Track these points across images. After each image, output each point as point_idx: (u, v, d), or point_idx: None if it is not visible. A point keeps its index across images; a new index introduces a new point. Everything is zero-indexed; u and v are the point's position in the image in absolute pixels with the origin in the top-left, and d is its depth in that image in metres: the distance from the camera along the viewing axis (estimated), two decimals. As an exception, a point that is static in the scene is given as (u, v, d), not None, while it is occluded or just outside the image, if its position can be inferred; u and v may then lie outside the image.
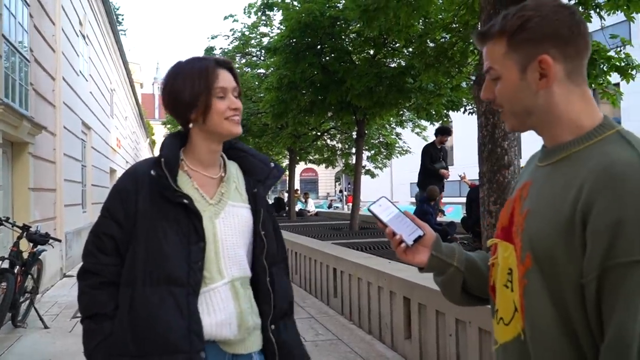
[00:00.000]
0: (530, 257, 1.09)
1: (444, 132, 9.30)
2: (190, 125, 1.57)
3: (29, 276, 6.07)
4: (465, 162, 14.32)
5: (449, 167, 9.69)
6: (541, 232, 1.08)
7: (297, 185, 37.43)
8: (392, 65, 10.77)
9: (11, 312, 5.68)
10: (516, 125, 1.20)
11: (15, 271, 5.56)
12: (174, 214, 1.51)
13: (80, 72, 12.29)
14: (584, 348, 1.04)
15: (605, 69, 6.86)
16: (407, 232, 1.36)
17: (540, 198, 1.12)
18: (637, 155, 1.01)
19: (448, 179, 9.45)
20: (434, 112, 11.22)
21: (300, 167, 39.52)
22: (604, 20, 6.52)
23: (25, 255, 5.95)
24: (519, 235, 1.14)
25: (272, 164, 1.72)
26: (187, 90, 1.53)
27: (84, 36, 13.00)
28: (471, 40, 8.32)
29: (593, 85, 6.99)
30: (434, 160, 9.03)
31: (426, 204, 8.45)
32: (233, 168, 1.70)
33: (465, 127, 21.04)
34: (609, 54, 6.94)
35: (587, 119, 1.12)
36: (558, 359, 1.06)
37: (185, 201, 1.50)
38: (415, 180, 9.64)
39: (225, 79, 1.55)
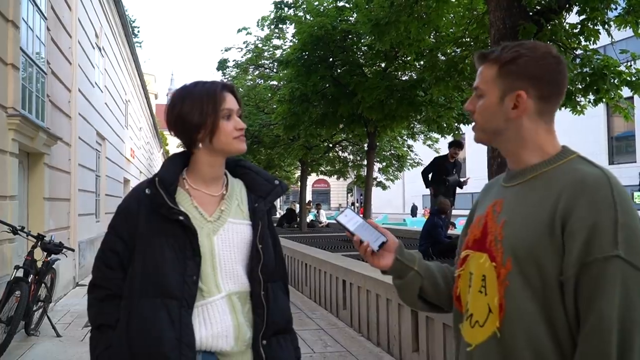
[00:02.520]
0: (511, 261, 1.25)
1: (457, 145, 9.29)
2: (197, 145, 1.65)
3: (43, 285, 6.15)
4: (476, 175, 14.26)
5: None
6: (522, 237, 1.24)
7: (309, 197, 37.44)
8: (403, 79, 10.84)
9: (24, 321, 5.76)
10: (483, 139, 1.40)
11: (29, 280, 5.65)
12: (172, 231, 1.58)
13: (96, 83, 12.49)
14: (561, 340, 1.19)
15: (617, 83, 6.86)
16: (373, 239, 1.50)
17: (516, 210, 1.30)
18: (601, 171, 1.22)
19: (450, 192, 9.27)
20: (445, 125, 11.26)
21: (312, 178, 39.62)
22: (612, 37, 6.54)
23: (39, 264, 6.04)
24: (497, 243, 1.30)
25: (277, 182, 1.78)
26: (195, 112, 1.60)
27: (99, 48, 13.21)
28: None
29: (604, 99, 7.00)
30: (446, 173, 8.98)
31: (437, 216, 8.44)
32: (237, 185, 1.76)
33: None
34: (619, 68, 6.94)
35: (550, 147, 1.33)
36: (537, 351, 1.20)
37: (181, 217, 1.57)
38: (427, 192, 9.60)
39: (230, 101, 1.64)
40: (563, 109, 7.73)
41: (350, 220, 1.53)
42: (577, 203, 1.18)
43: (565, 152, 1.33)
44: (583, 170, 1.24)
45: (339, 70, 11.03)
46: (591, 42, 6.92)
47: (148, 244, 1.58)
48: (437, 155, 10.11)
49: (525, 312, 1.22)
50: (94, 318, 1.64)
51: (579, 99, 7.30)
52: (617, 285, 1.12)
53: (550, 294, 1.20)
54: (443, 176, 8.92)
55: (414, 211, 40.82)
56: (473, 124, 1.41)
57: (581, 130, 30.12)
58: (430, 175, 9.17)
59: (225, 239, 1.65)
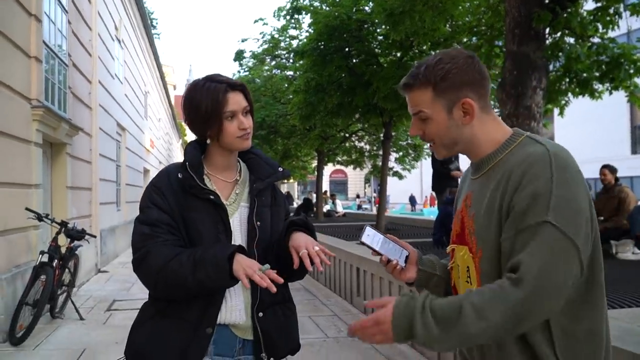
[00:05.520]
0: (481, 249, 1.38)
1: None
2: (208, 140, 1.78)
3: (66, 270, 6.38)
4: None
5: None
6: (485, 226, 1.37)
7: (326, 187, 37.50)
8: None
9: (49, 304, 5.99)
10: (446, 153, 1.50)
11: (54, 265, 5.86)
12: (204, 208, 1.71)
13: (116, 75, 12.70)
14: None
15: (632, 72, 6.83)
16: (398, 255, 1.59)
17: (480, 201, 1.42)
18: (545, 148, 1.33)
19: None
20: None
21: (329, 168, 39.65)
22: (629, 26, 6.51)
23: (62, 250, 6.26)
24: (472, 235, 1.42)
25: (280, 168, 1.90)
26: (201, 113, 1.71)
27: (119, 40, 13.41)
28: (497, 43, 8.37)
29: (619, 87, 6.97)
30: (447, 161, 8.99)
31: (450, 206, 8.48)
32: (247, 171, 1.89)
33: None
34: (634, 57, 6.90)
35: (500, 134, 1.45)
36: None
37: (212, 197, 1.71)
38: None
39: (235, 101, 1.72)
40: (581, 97, 7.71)
41: (374, 239, 1.58)
42: (520, 181, 1.29)
43: (516, 135, 1.43)
44: (528, 150, 1.34)
45: (354, 60, 11.05)
46: (608, 30, 6.88)
47: (183, 219, 1.70)
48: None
49: None
50: (162, 260, 1.62)
51: (595, 86, 7.27)
52: (543, 246, 1.22)
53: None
54: (444, 165, 8.93)
55: (412, 201, 40.56)
56: (430, 145, 1.50)
57: (602, 119, 29.64)
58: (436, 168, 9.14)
59: (238, 221, 1.78)
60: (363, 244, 1.58)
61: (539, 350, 1.30)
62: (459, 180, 1.72)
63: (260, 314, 1.74)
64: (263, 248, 1.77)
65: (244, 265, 1.58)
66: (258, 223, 1.77)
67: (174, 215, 1.69)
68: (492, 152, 1.43)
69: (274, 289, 1.55)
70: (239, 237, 1.76)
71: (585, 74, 7.12)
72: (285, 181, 31.42)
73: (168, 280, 1.61)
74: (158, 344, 1.66)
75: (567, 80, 7.44)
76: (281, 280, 1.58)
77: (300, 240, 1.68)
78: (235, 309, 1.72)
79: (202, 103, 1.70)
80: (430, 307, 1.25)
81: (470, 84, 1.41)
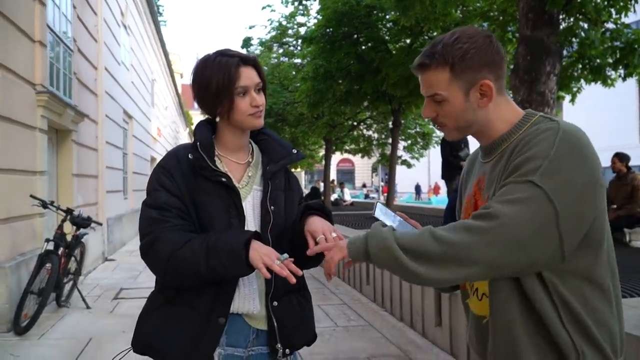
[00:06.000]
0: None
1: None
2: (217, 117, 1.66)
3: (72, 258, 6.31)
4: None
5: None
6: None
7: (333, 176, 37.45)
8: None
9: (55, 292, 5.92)
10: (457, 135, 1.44)
11: (59, 253, 5.79)
12: (215, 191, 1.60)
13: (122, 61, 12.59)
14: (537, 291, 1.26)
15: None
16: None
17: (493, 182, 1.36)
18: (556, 124, 1.28)
19: None
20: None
21: (336, 157, 39.57)
22: (634, 10, 6.36)
23: (68, 238, 6.19)
24: None
25: (294, 150, 1.78)
26: (211, 88, 1.60)
27: (125, 26, 13.30)
28: (509, 28, 8.19)
29: (633, 74, 6.81)
30: (457, 149, 8.85)
31: (460, 194, 8.34)
32: (258, 152, 1.78)
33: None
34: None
35: (513, 115, 1.40)
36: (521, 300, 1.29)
37: (224, 179, 1.59)
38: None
39: (247, 76, 1.61)
40: (593, 84, 7.55)
41: (386, 215, 1.53)
42: (521, 149, 1.27)
43: (529, 115, 1.39)
44: (539, 126, 1.31)
45: (363, 47, 10.92)
46: (622, 15, 6.72)
47: (193, 203, 1.59)
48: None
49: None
50: (172, 246, 1.51)
51: (608, 73, 7.11)
52: (521, 202, 1.18)
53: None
54: (454, 152, 8.78)
55: (418, 190, 40.24)
56: (441, 127, 1.44)
57: (611, 108, 29.37)
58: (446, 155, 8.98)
59: (251, 205, 1.67)
60: (375, 219, 1.52)
61: (554, 332, 1.23)
62: (464, 167, 1.63)
63: (275, 303, 1.63)
64: (277, 234, 1.65)
65: (261, 253, 1.47)
66: (272, 207, 1.66)
67: (183, 198, 1.58)
68: (505, 133, 1.38)
69: (293, 280, 1.45)
70: (252, 222, 1.65)
71: (598, 60, 6.97)
72: (293, 170, 31.38)
73: (179, 268, 1.50)
74: (167, 334, 1.56)
75: (580, 66, 7.29)
76: (300, 272, 1.48)
77: (317, 225, 1.56)
78: (248, 297, 1.61)
79: (213, 78, 1.59)
80: (385, 229, 1.31)
81: (489, 65, 1.35)
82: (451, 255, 1.20)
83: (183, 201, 1.58)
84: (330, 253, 1.39)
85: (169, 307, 1.60)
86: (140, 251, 1.58)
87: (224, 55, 1.62)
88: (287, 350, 1.65)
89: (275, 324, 1.62)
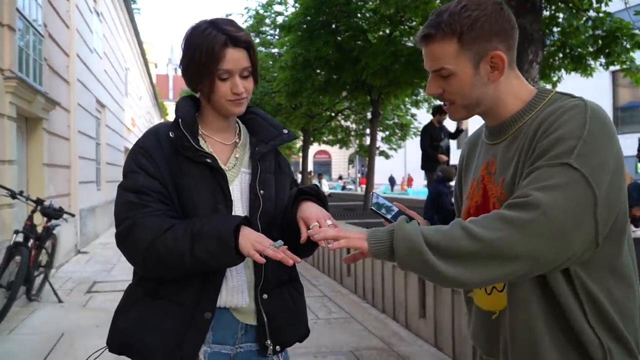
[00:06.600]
0: None
1: (442, 110, 8.99)
2: (199, 95, 1.52)
3: (44, 250, 6.09)
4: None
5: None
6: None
7: (310, 167, 37.41)
8: (409, 44, 10.59)
9: (26, 286, 5.71)
10: (465, 115, 1.31)
11: (29, 245, 5.57)
12: (200, 173, 1.45)
13: (95, 49, 12.24)
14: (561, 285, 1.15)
15: (629, 47, 6.68)
16: None
17: (508, 165, 1.24)
18: (580, 100, 1.18)
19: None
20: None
21: (313, 149, 39.44)
22: (627, 1, 6.35)
23: (39, 229, 5.96)
24: (501, 204, 1.22)
25: (285, 130, 1.64)
26: (194, 62, 1.44)
27: (97, 13, 12.93)
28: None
29: (616, 63, 6.82)
30: (437, 139, 8.78)
31: (442, 184, 8.32)
32: (246, 132, 1.63)
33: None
34: (633, 31, 6.75)
35: (525, 92, 1.27)
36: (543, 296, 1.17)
37: (208, 160, 1.45)
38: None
39: (233, 59, 1.43)
40: (572, 73, 7.56)
41: (385, 207, 1.44)
42: (549, 128, 1.15)
43: (542, 93, 1.27)
44: (561, 102, 1.20)
45: (342, 36, 10.78)
46: (603, 4, 6.72)
47: (175, 186, 1.44)
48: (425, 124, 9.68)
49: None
50: (152, 234, 1.37)
51: (589, 62, 7.13)
52: (559, 187, 1.06)
53: None
54: (434, 143, 8.73)
55: (392, 182, 40.23)
56: (448, 105, 1.31)
57: (587, 97, 29.88)
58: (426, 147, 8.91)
59: (239, 189, 1.53)
60: (373, 211, 1.43)
61: (578, 328, 1.13)
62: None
63: (265, 296, 1.50)
64: (267, 221, 1.51)
65: (251, 239, 1.34)
66: (262, 192, 1.52)
67: (164, 181, 1.43)
68: (518, 112, 1.26)
69: (290, 262, 1.32)
70: (240, 207, 1.50)
71: (579, 49, 6.97)
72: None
73: (160, 258, 1.36)
74: (148, 331, 1.42)
75: (561, 55, 7.28)
76: (299, 260, 1.35)
77: (310, 212, 1.42)
78: (237, 289, 1.47)
79: (197, 51, 1.43)
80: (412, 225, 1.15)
81: (500, 34, 1.22)
82: (491, 252, 1.06)
83: (164, 184, 1.43)
84: (350, 237, 1.20)
85: (149, 302, 1.45)
86: (116, 239, 1.43)
87: (214, 28, 1.44)
88: (278, 347, 1.53)
89: (265, 318, 1.49)
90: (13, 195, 5.59)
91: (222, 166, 1.50)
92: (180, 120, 1.47)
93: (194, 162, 1.45)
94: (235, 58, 1.43)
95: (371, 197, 1.47)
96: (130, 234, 1.38)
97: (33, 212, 5.90)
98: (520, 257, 1.05)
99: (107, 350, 1.52)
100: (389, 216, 1.42)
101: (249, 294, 1.49)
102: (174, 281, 1.43)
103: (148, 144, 1.48)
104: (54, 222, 6.22)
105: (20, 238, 5.52)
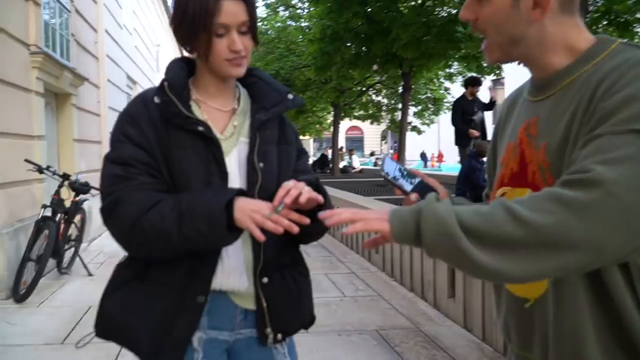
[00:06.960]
0: None
1: (474, 82, 8.65)
2: (195, 54, 1.37)
3: (73, 225, 6.14)
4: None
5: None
6: (566, 157, 0.98)
7: (342, 143, 37.22)
8: (442, 14, 10.24)
9: (56, 259, 5.77)
10: (499, 56, 1.10)
11: (57, 219, 5.62)
12: (191, 142, 1.31)
13: (124, 25, 12.24)
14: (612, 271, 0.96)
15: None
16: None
17: (554, 127, 1.03)
18: None
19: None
20: (485, 65, 10.69)
21: (345, 125, 39.18)
22: None
23: (67, 204, 6.00)
24: (543, 172, 1.03)
25: (290, 95, 1.46)
26: (187, 16, 1.29)
27: (127, -12, 12.91)
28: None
29: None
30: (470, 113, 8.48)
31: (475, 159, 8.07)
32: (246, 98, 1.48)
33: (518, 78, 20.24)
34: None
35: (582, 42, 1.04)
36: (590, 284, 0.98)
37: (200, 128, 1.31)
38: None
39: (229, 12, 1.28)
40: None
41: (395, 173, 1.24)
42: (613, 86, 0.92)
43: (602, 43, 1.02)
44: (626, 55, 0.96)
45: (372, 6, 10.48)
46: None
47: (164, 158, 1.31)
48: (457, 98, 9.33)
49: None
50: (137, 210, 1.26)
51: (636, 30, 6.74)
52: (631, 158, 0.85)
53: None
54: (467, 117, 8.43)
55: (423, 158, 39.42)
56: (484, 43, 1.10)
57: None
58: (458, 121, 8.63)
59: (236, 161, 1.38)
60: (386, 179, 1.25)
61: (629, 327, 0.95)
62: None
63: (265, 280, 1.37)
64: (267, 198, 1.31)
65: (248, 210, 1.20)
66: (261, 164, 1.36)
67: (152, 151, 1.30)
68: (571, 63, 1.03)
69: (295, 229, 1.18)
70: (237, 181, 1.36)
71: (626, 16, 6.58)
72: (301, 137, 31.20)
73: (146, 237, 1.24)
74: (134, 316, 1.31)
75: (605, 22, 6.90)
76: (307, 220, 1.20)
77: (291, 182, 1.26)
78: (234, 271, 1.34)
79: (189, 4, 1.27)
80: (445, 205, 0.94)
81: None
82: (542, 240, 0.86)
83: (152, 155, 1.30)
84: (368, 219, 1.01)
85: (137, 284, 1.34)
86: (101, 215, 1.32)
87: None
88: (280, 336, 1.40)
89: (265, 304, 1.37)
90: (40, 169, 5.63)
91: (218, 135, 1.36)
92: (166, 83, 1.33)
93: (184, 131, 1.31)
94: (232, 10, 1.28)
95: (383, 160, 1.27)
96: (115, 210, 1.27)
97: (60, 186, 5.93)
98: (579, 246, 0.86)
99: (94, 335, 1.42)
100: (407, 187, 1.23)
101: (247, 275, 1.37)
102: (165, 262, 1.31)
103: (135, 110, 1.35)
104: (82, 196, 6.25)
105: (48, 212, 5.57)
